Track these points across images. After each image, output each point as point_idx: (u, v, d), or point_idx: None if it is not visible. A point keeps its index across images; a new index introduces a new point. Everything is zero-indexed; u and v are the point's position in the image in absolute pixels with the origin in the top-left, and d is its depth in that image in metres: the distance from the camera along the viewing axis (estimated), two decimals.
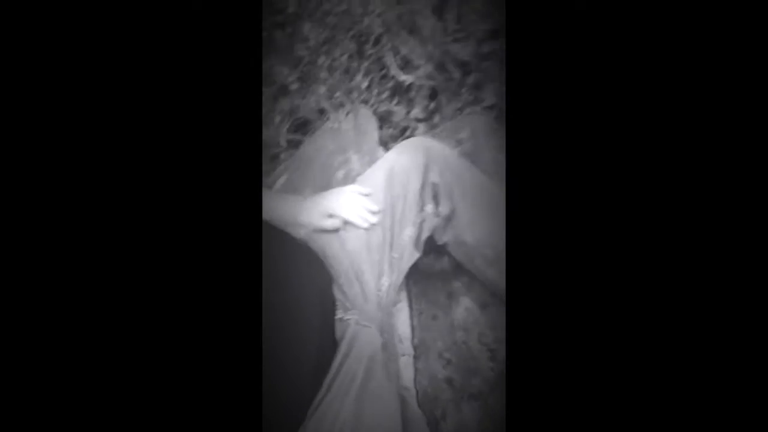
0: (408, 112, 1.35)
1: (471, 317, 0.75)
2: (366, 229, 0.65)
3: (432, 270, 0.84)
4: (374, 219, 0.64)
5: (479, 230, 0.65)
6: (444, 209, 0.66)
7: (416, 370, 0.80)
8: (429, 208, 0.66)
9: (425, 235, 0.69)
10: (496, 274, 0.66)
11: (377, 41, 1.34)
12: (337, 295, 0.61)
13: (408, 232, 0.66)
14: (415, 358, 0.81)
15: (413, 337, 0.83)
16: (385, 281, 0.65)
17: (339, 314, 0.60)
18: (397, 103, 1.37)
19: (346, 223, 0.65)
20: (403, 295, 0.87)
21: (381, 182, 0.66)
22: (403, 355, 0.81)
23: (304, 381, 0.51)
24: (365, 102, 1.39)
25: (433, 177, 0.65)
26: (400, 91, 1.37)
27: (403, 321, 0.85)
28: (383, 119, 1.35)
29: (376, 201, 0.66)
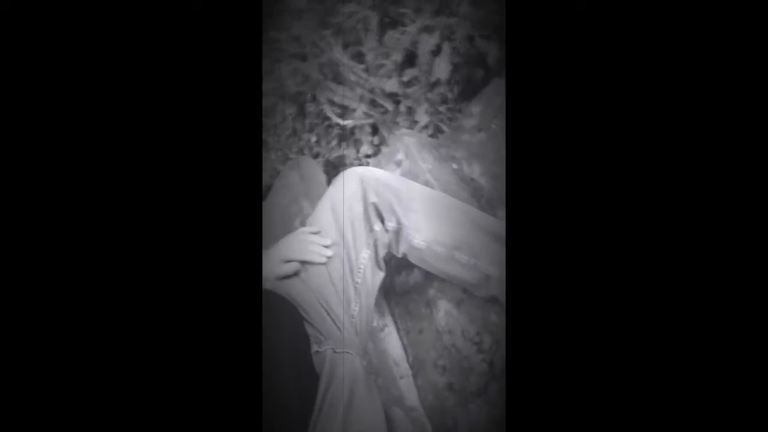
0: (358, 152, 1.42)
1: (451, 318, 0.77)
2: (325, 264, 0.68)
3: (408, 287, 0.86)
4: (329, 252, 0.68)
5: (426, 233, 0.68)
6: (391, 224, 0.70)
7: (418, 387, 0.80)
8: (377, 226, 0.70)
9: (382, 252, 0.72)
10: (452, 267, 0.69)
11: (314, 98, 1.44)
12: (310, 331, 0.63)
13: (364, 255, 0.70)
14: (414, 376, 0.81)
15: (407, 356, 0.84)
16: (356, 307, 0.67)
17: (314, 348, 0.61)
18: (346, 147, 1.44)
19: (304, 263, 0.68)
20: (389, 319, 0.89)
21: (328, 217, 0.70)
22: (402, 377, 0.82)
23: (291, 420, 0.52)
24: (317, 155, 1.46)
25: (372, 198, 0.69)
26: (346, 136, 1.45)
27: (394, 344, 0.86)
28: (338, 164, 1.42)
29: (327, 235, 0.69)
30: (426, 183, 0.86)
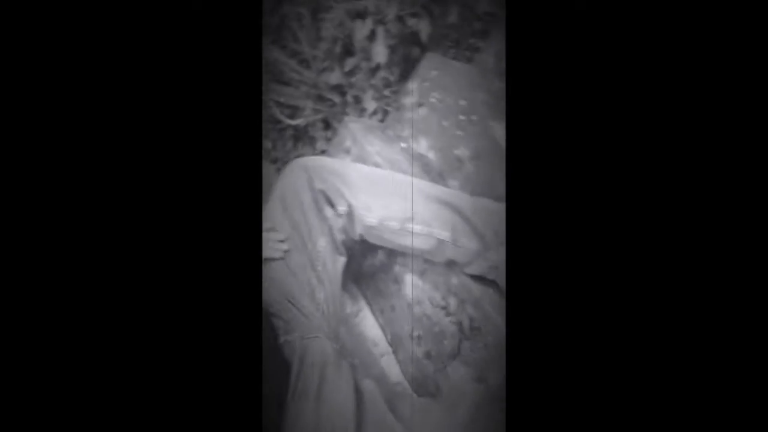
0: (314, 149, 1.42)
1: (417, 289, 0.79)
2: (283, 258, 0.69)
3: (375, 268, 0.88)
4: (285, 246, 0.69)
5: (377, 211, 0.70)
6: (342, 208, 0.71)
7: (399, 362, 0.82)
8: (328, 212, 0.71)
9: (340, 237, 0.73)
10: (407, 239, 0.71)
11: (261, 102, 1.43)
12: (277, 323, 0.64)
13: (321, 243, 0.71)
14: (394, 352, 0.83)
15: (385, 334, 0.86)
16: (320, 294, 0.69)
17: (282, 338, 0.62)
18: (303, 146, 1.44)
19: (263, 260, 0.69)
20: (363, 303, 0.91)
21: (279, 212, 0.71)
22: (383, 355, 0.83)
23: (267, 410, 0.53)
24: (276, 160, 1.46)
25: (318, 185, 0.70)
26: (300, 135, 1.45)
27: (370, 326, 0.87)
28: None
29: (281, 228, 0.70)
30: (376, 165, 0.87)
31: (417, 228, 0.70)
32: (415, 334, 0.79)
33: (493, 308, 0.70)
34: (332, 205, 0.71)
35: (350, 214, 0.71)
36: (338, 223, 0.72)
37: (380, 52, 1.20)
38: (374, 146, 0.91)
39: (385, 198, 0.71)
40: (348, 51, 1.28)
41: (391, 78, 1.24)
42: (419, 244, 0.71)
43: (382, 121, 1.21)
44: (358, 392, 0.58)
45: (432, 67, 0.97)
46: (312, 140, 1.44)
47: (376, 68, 1.24)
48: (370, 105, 1.28)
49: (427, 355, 0.77)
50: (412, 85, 0.99)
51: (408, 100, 0.99)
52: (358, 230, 0.73)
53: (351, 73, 1.30)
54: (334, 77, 1.30)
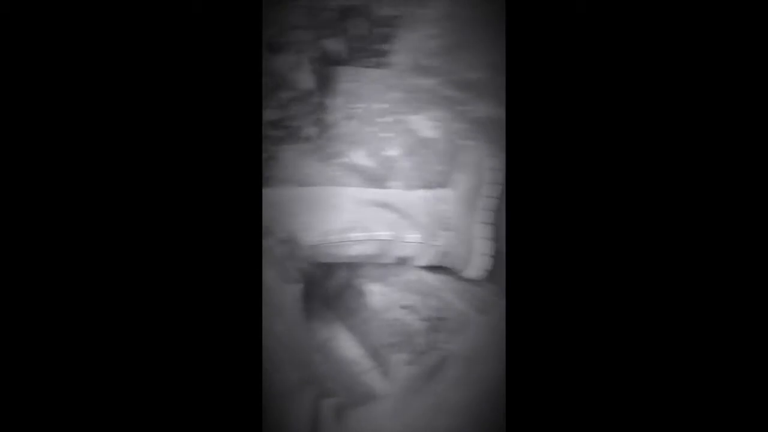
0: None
1: (382, 297, 0.78)
2: None
3: (340, 287, 0.87)
4: None
5: (317, 228, 0.70)
6: (282, 234, 0.70)
7: (382, 374, 0.80)
8: (270, 242, 0.70)
9: (290, 265, 0.72)
10: (351, 249, 0.70)
11: None
12: None
13: (270, 275, 0.70)
14: (376, 367, 0.81)
15: (364, 350, 0.84)
16: (277, 327, 0.67)
17: None
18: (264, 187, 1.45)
19: None
20: (337, 325, 0.89)
21: None
22: (365, 372, 0.81)
23: None
24: None
25: None
26: None
27: (348, 347, 0.86)
28: None
29: None
30: (314, 185, 0.87)
31: (360, 236, 0.69)
32: (390, 341, 0.77)
33: (453, 295, 0.69)
34: (271, 235, 0.70)
35: (291, 240, 0.71)
36: (282, 252, 0.71)
37: (306, 79, 1.22)
38: (311, 168, 0.92)
39: (322, 214, 0.71)
40: (278, 85, 1.30)
41: (325, 101, 1.26)
42: (365, 250, 0.70)
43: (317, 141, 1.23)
44: (316, 412, 0.56)
45: (346, 80, 0.99)
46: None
47: (308, 94, 1.26)
48: (312, 131, 1.30)
49: (408, 362, 0.75)
50: (331, 101, 1.01)
51: (334, 116, 1.00)
52: (305, 252, 0.72)
53: (287, 105, 1.32)
54: (272, 114, 1.32)
